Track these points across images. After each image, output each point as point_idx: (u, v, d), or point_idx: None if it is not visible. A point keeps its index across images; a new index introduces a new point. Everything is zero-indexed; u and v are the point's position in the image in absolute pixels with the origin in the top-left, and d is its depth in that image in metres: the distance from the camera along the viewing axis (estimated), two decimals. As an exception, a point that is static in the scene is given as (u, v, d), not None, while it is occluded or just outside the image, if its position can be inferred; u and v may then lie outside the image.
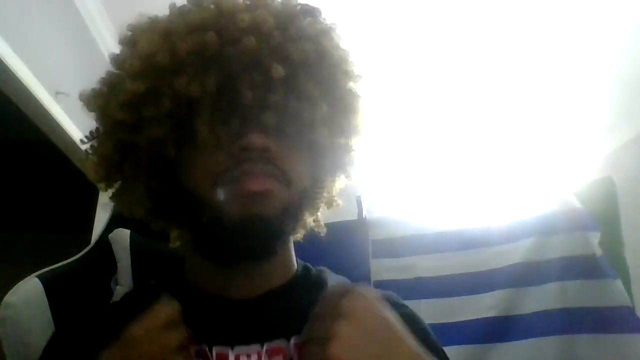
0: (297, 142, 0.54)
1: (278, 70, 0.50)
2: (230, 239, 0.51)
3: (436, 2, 2.12)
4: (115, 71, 0.56)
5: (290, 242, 0.59)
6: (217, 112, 0.51)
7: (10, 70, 1.62)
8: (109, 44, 2.32)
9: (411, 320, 0.55)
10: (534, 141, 3.10)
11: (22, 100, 1.81)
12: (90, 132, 0.59)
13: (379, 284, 1.33)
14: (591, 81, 2.53)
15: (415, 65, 2.62)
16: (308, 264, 0.63)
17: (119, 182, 0.60)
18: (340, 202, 0.68)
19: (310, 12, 0.57)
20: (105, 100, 0.56)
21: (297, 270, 0.59)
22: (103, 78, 0.57)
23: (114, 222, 0.76)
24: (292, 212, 0.54)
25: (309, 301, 0.50)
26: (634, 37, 2.20)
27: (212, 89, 0.50)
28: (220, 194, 0.50)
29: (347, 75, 0.58)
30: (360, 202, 1.52)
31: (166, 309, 0.46)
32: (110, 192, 0.63)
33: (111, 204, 0.83)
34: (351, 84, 0.59)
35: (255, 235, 0.50)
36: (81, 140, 0.60)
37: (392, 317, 0.46)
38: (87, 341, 0.50)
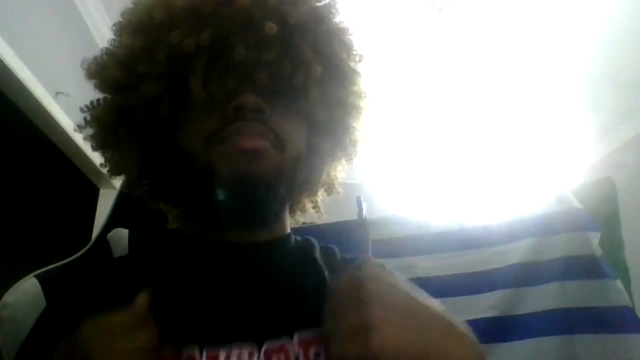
0: (292, 107, 0.54)
1: (272, 28, 0.51)
2: (223, 201, 0.50)
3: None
4: (115, 37, 0.56)
5: (285, 214, 0.59)
6: (211, 71, 0.51)
7: (10, 70, 1.62)
8: (109, 44, 2.32)
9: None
10: (534, 141, 3.09)
11: (22, 100, 1.81)
12: (90, 102, 0.60)
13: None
14: (591, 81, 2.52)
15: (415, 66, 2.62)
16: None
17: (115, 150, 0.61)
18: (341, 189, 0.68)
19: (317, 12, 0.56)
20: (104, 64, 0.57)
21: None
22: (104, 48, 0.58)
23: (113, 221, 0.76)
24: (286, 175, 0.53)
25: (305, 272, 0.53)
26: (634, 37, 2.20)
27: (206, 45, 0.50)
28: (213, 152, 0.50)
29: (344, 45, 0.58)
30: (360, 202, 1.52)
31: (132, 311, 0.43)
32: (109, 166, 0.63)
33: (111, 204, 0.83)
34: (348, 56, 0.59)
35: (247, 195, 0.50)
36: (81, 109, 0.60)
37: (408, 285, 0.42)
38: (79, 312, 0.47)
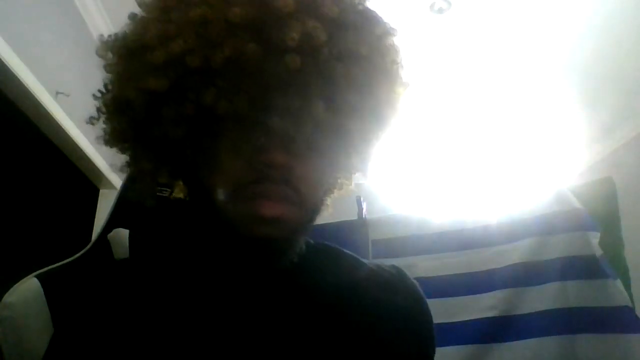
0: (320, 157, 0.51)
1: (318, 105, 0.47)
2: (238, 249, 0.51)
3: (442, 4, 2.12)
4: (136, 46, 0.51)
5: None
6: (243, 126, 0.48)
7: (10, 70, 1.62)
8: (109, 44, 2.32)
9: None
10: (534, 141, 3.10)
11: (22, 100, 1.81)
12: (105, 87, 0.56)
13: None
14: (592, 81, 2.53)
15: (415, 66, 2.62)
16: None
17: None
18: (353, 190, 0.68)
19: (369, 20, 0.54)
20: (124, 71, 0.52)
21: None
22: (122, 41, 0.53)
23: (114, 221, 0.76)
24: (302, 229, 0.53)
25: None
26: (635, 37, 2.20)
27: (243, 109, 0.47)
28: (234, 209, 0.49)
29: (394, 93, 0.56)
30: (360, 202, 1.52)
31: None
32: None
33: (111, 203, 0.83)
34: (394, 100, 0.57)
35: (262, 252, 0.51)
36: (94, 95, 0.57)
37: None
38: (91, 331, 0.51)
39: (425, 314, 0.64)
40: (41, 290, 0.56)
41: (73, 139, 2.04)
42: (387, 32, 0.56)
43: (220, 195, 0.49)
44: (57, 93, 1.91)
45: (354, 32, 0.51)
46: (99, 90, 0.57)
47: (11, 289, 0.57)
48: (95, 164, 2.29)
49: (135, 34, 0.52)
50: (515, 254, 1.32)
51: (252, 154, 0.47)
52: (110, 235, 0.66)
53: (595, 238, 1.22)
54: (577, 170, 3.03)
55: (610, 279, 1.18)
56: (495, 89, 2.73)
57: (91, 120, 0.57)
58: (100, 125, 0.57)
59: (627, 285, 1.21)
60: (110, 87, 0.55)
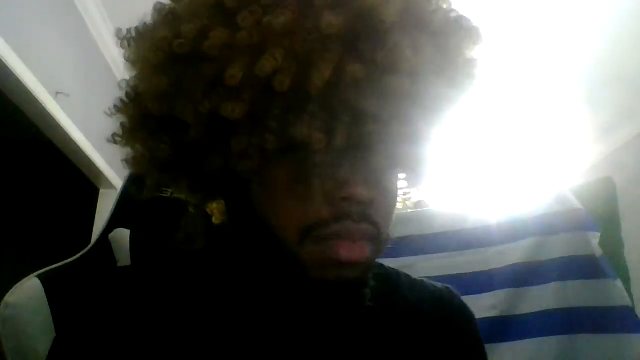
0: (396, 184, 0.47)
1: (424, 131, 0.42)
2: (306, 294, 0.45)
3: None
4: (188, 50, 0.41)
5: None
6: (326, 157, 0.40)
7: (10, 70, 1.62)
8: (109, 45, 2.32)
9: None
10: (534, 141, 3.10)
11: (22, 100, 1.81)
12: (131, 93, 0.46)
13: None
14: (592, 81, 2.53)
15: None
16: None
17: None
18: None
19: (472, 35, 0.47)
20: (171, 82, 0.42)
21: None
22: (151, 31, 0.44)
23: (115, 221, 0.76)
24: (374, 264, 0.49)
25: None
26: (635, 37, 2.20)
27: (342, 143, 0.39)
28: (305, 250, 0.42)
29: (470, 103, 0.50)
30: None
31: None
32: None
33: (111, 203, 0.83)
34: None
35: (337, 297, 0.44)
36: (115, 107, 0.48)
37: None
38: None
39: (478, 334, 0.61)
40: (42, 289, 0.56)
41: (73, 139, 2.04)
42: (478, 38, 0.48)
43: (287, 234, 0.42)
44: (57, 93, 1.91)
45: (454, 44, 0.45)
46: (122, 100, 0.47)
47: (12, 289, 0.57)
48: (95, 164, 2.29)
49: (175, 32, 0.41)
50: (515, 254, 1.32)
51: (332, 188, 0.41)
52: (112, 235, 0.66)
53: (595, 238, 1.22)
54: (577, 170, 3.03)
55: (610, 279, 1.18)
56: (494, 89, 2.73)
57: (113, 138, 0.48)
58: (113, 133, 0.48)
59: (627, 285, 1.21)
60: (139, 95, 0.45)
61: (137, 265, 0.59)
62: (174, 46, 0.41)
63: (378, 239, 0.44)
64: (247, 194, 0.45)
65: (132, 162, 0.48)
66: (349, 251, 0.42)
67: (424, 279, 0.62)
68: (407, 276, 0.60)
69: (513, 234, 1.34)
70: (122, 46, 0.46)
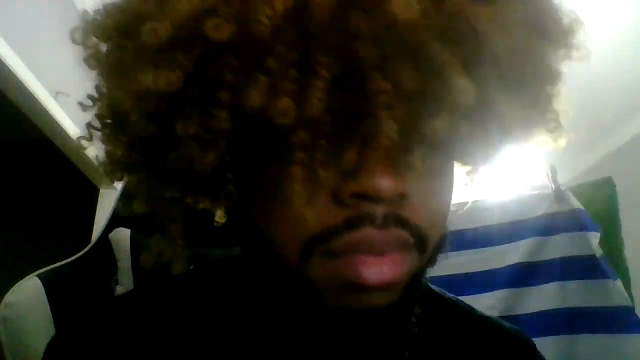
0: (449, 169, 0.34)
1: (464, 88, 0.27)
2: (321, 321, 0.33)
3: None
4: (127, 20, 0.32)
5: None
6: (320, 138, 0.28)
7: (10, 70, 1.62)
8: (109, 44, 2.32)
9: None
10: (534, 141, 3.09)
11: (22, 100, 1.81)
12: (97, 91, 0.37)
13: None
14: (592, 82, 2.52)
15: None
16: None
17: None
18: None
19: None
20: (113, 64, 0.33)
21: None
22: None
23: (115, 221, 0.76)
24: (419, 282, 0.37)
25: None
26: (635, 37, 2.21)
27: (316, 111, 0.27)
28: (313, 269, 0.31)
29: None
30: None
31: None
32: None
33: (111, 203, 0.83)
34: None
35: (360, 328, 0.33)
36: (81, 104, 0.40)
37: None
38: None
39: None
40: (42, 289, 0.56)
41: (73, 139, 2.04)
42: None
43: (288, 252, 0.32)
44: (57, 93, 1.91)
45: None
46: (89, 96, 0.38)
47: (12, 288, 0.57)
48: (95, 164, 2.29)
49: (128, 2, 0.32)
50: (515, 254, 1.32)
51: (338, 182, 0.29)
52: (112, 235, 0.66)
53: (595, 238, 1.22)
54: (577, 170, 3.03)
55: (610, 279, 1.18)
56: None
57: (79, 140, 0.40)
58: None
59: (627, 285, 1.21)
60: (102, 90, 0.37)
61: (136, 291, 0.49)
62: (116, 13, 0.33)
63: (420, 247, 0.33)
64: (246, 207, 0.35)
65: (100, 169, 0.39)
66: (373, 270, 0.30)
67: (503, 323, 0.50)
68: (479, 316, 0.49)
69: (513, 234, 1.34)
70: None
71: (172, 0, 0.27)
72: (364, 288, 0.30)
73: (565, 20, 0.35)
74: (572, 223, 1.26)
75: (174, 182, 0.35)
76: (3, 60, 1.58)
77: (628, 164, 2.68)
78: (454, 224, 1.34)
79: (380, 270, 0.30)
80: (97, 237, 0.75)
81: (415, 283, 0.34)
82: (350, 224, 0.29)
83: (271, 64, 0.27)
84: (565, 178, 1.47)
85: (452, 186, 0.35)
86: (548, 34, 0.33)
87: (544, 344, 1.21)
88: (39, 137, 2.08)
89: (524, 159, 1.40)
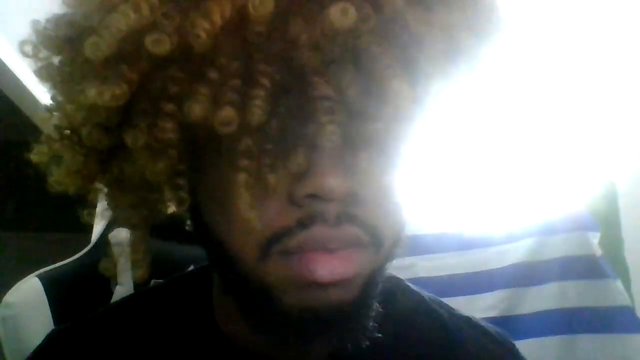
0: (397, 164, 0.34)
1: (402, 92, 0.28)
2: (280, 326, 0.34)
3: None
4: (71, 32, 0.32)
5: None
6: (265, 142, 0.29)
7: (10, 70, 1.62)
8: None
9: None
10: (534, 141, 3.09)
11: (22, 100, 1.81)
12: (50, 108, 0.37)
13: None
14: (593, 82, 2.52)
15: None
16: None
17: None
18: None
19: None
20: (60, 78, 0.34)
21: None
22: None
23: (115, 221, 0.76)
24: (378, 279, 0.36)
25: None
26: (636, 38, 2.20)
27: (259, 117, 0.28)
28: (269, 271, 0.32)
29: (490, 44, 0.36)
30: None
31: None
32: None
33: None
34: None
35: (319, 328, 0.33)
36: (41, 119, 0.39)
37: None
38: None
39: None
40: (42, 289, 0.56)
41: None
42: None
43: (245, 253, 0.32)
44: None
45: None
46: (46, 107, 0.38)
47: (12, 288, 0.57)
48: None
49: (71, 10, 0.33)
50: (515, 254, 1.32)
51: (290, 183, 0.30)
52: (112, 234, 0.66)
53: (595, 238, 1.22)
54: (578, 170, 3.03)
55: (610, 279, 1.18)
56: (494, 90, 2.73)
57: (37, 156, 0.39)
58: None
59: (627, 285, 1.21)
60: (57, 100, 0.37)
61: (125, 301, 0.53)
62: (63, 25, 0.34)
63: (373, 243, 0.33)
64: (201, 212, 0.36)
65: (57, 179, 0.40)
66: (325, 265, 0.31)
67: (484, 326, 0.50)
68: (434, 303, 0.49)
69: (513, 234, 1.34)
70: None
71: (112, 16, 0.27)
72: (317, 285, 0.31)
73: (499, 20, 0.36)
74: (572, 223, 1.26)
75: (132, 190, 0.36)
76: (3, 60, 1.58)
77: (628, 164, 2.68)
78: (454, 226, 1.32)
79: (332, 266, 0.31)
80: (97, 237, 0.75)
81: (373, 280, 0.35)
82: (303, 224, 0.31)
83: (212, 75, 0.27)
84: (566, 179, 1.47)
85: (408, 185, 0.36)
86: (483, 34, 0.34)
87: (544, 344, 1.21)
88: (39, 137, 2.08)
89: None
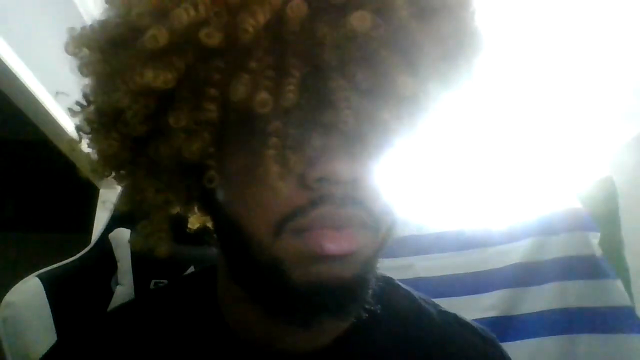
0: (394, 157, 0.38)
1: (407, 85, 0.34)
2: (289, 302, 0.38)
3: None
4: (121, 31, 0.37)
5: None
6: (287, 127, 0.34)
7: (10, 70, 1.62)
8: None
9: None
10: (534, 141, 3.09)
11: (22, 100, 1.81)
12: (85, 99, 0.43)
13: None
14: (593, 82, 2.53)
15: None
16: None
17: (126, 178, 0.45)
18: None
19: None
20: (109, 70, 0.38)
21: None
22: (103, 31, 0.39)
23: (115, 221, 0.76)
24: (376, 262, 0.41)
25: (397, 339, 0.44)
26: (636, 37, 2.21)
27: (292, 102, 0.33)
28: (282, 246, 0.36)
29: (475, 57, 0.42)
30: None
31: None
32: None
33: (111, 203, 0.83)
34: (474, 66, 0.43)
35: (325, 301, 0.37)
36: (70, 110, 0.44)
37: None
38: None
39: None
40: (42, 289, 0.56)
41: (73, 139, 2.04)
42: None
43: (261, 231, 0.36)
44: (57, 93, 1.91)
45: None
46: (78, 103, 0.43)
47: (13, 288, 0.57)
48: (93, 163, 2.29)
49: (119, 16, 0.37)
50: (515, 254, 1.32)
51: (303, 166, 0.34)
52: (112, 235, 0.66)
53: (595, 238, 1.22)
54: (578, 170, 3.03)
55: (610, 279, 1.18)
56: (494, 88, 2.73)
57: (71, 144, 0.44)
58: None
59: (627, 285, 1.21)
60: (91, 96, 0.42)
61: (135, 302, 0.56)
62: (110, 28, 0.38)
63: (373, 226, 0.38)
64: (218, 198, 0.39)
65: (89, 167, 0.44)
66: (334, 241, 0.35)
67: (457, 314, 0.54)
68: (428, 313, 0.52)
69: (513, 234, 1.34)
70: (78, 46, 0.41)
71: (171, 12, 0.32)
72: (326, 258, 0.35)
73: (481, 31, 0.42)
74: (572, 223, 1.26)
75: (161, 174, 0.41)
76: (3, 60, 1.58)
77: (628, 164, 2.68)
78: (454, 225, 1.32)
79: (339, 241, 0.35)
80: (97, 237, 0.75)
81: (371, 260, 0.40)
82: (314, 204, 0.35)
83: (252, 65, 0.33)
84: (565, 178, 1.47)
85: (403, 174, 0.41)
86: (469, 43, 0.40)
87: (544, 344, 1.21)
88: (39, 137, 2.08)
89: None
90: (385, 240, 0.41)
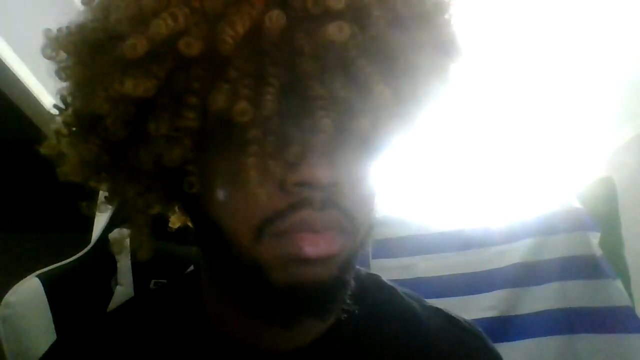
0: (372, 163, 0.40)
1: (384, 94, 0.35)
2: (269, 303, 0.39)
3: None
4: (99, 36, 0.37)
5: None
6: (266, 134, 0.34)
7: (10, 70, 1.62)
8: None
9: None
10: (534, 141, 3.09)
11: (22, 100, 1.81)
12: (62, 101, 0.44)
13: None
14: (592, 81, 2.52)
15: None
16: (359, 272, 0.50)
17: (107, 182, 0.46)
18: None
19: None
20: (88, 75, 0.38)
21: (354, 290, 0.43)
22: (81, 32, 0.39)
23: (114, 221, 0.76)
24: (354, 264, 0.42)
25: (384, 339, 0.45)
26: (635, 37, 2.21)
27: (271, 111, 0.33)
28: (262, 249, 0.37)
29: (451, 62, 0.43)
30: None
31: None
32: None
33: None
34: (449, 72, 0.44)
35: (303, 302, 0.38)
36: (49, 113, 0.45)
37: None
38: None
39: None
40: (42, 289, 0.56)
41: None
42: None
43: (241, 235, 0.37)
44: (57, 93, 1.91)
45: None
46: (55, 106, 0.45)
47: (12, 288, 0.57)
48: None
49: (96, 20, 0.37)
50: (515, 254, 1.32)
51: (282, 172, 0.35)
52: (112, 234, 0.66)
53: (595, 238, 1.22)
54: (578, 170, 3.03)
55: (610, 279, 1.18)
56: (494, 88, 2.73)
57: (47, 150, 0.45)
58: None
59: (627, 285, 1.21)
60: (69, 100, 0.43)
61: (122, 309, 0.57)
62: (87, 32, 0.38)
63: (351, 229, 0.38)
64: (200, 202, 0.40)
65: (68, 170, 0.45)
66: (313, 245, 0.36)
67: (453, 317, 0.55)
68: (415, 311, 0.53)
69: (513, 234, 1.34)
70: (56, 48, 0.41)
71: (150, 22, 0.32)
72: (305, 260, 0.36)
73: (458, 38, 0.43)
74: (572, 223, 1.26)
75: (141, 178, 0.41)
76: (3, 60, 1.58)
77: (628, 164, 2.68)
78: (454, 225, 1.32)
79: (317, 244, 0.36)
80: (97, 237, 0.75)
81: (349, 263, 0.40)
82: (293, 208, 0.36)
83: (232, 74, 0.33)
84: (565, 178, 1.47)
85: (379, 178, 0.42)
86: (445, 50, 0.41)
87: (544, 344, 1.21)
88: (38, 137, 2.08)
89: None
90: (363, 243, 0.42)
